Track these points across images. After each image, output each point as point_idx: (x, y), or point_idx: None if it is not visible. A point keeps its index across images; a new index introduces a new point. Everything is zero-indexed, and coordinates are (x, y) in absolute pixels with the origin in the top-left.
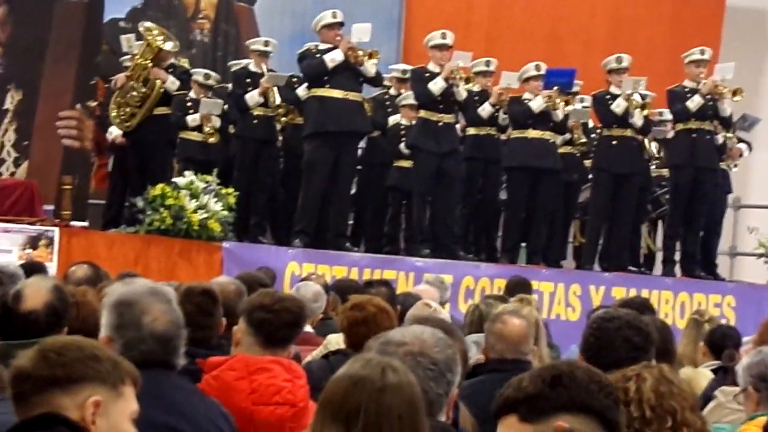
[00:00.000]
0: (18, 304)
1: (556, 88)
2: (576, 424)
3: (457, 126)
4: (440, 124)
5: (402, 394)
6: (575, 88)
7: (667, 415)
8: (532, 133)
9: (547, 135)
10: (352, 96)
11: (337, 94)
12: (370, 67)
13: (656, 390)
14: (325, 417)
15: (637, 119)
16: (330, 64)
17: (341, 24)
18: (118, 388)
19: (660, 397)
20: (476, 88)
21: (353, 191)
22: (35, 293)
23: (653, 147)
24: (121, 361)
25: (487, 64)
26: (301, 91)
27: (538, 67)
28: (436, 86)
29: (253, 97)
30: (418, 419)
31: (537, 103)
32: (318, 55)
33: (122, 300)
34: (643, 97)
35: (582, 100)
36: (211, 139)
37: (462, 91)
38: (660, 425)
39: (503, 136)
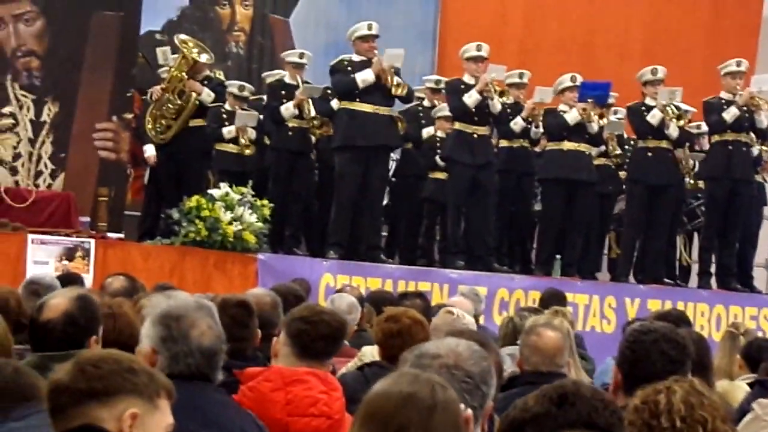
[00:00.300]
0: (39, 314)
1: (590, 100)
2: None
3: (492, 139)
4: (475, 136)
5: (450, 412)
6: (610, 101)
7: (697, 425)
8: (567, 145)
9: (582, 147)
10: (383, 111)
11: (367, 108)
12: (399, 91)
13: (686, 401)
14: None
15: (673, 130)
16: (361, 85)
17: (376, 36)
18: (154, 400)
19: (690, 407)
20: (509, 100)
21: (387, 203)
22: (57, 303)
23: (689, 160)
24: (156, 374)
25: (521, 76)
26: (335, 103)
27: (573, 79)
28: (471, 99)
29: (288, 109)
30: None
31: (572, 116)
32: (350, 70)
33: (170, 313)
34: (678, 108)
35: (616, 113)
36: (247, 151)
37: (497, 104)
38: None
39: (536, 149)
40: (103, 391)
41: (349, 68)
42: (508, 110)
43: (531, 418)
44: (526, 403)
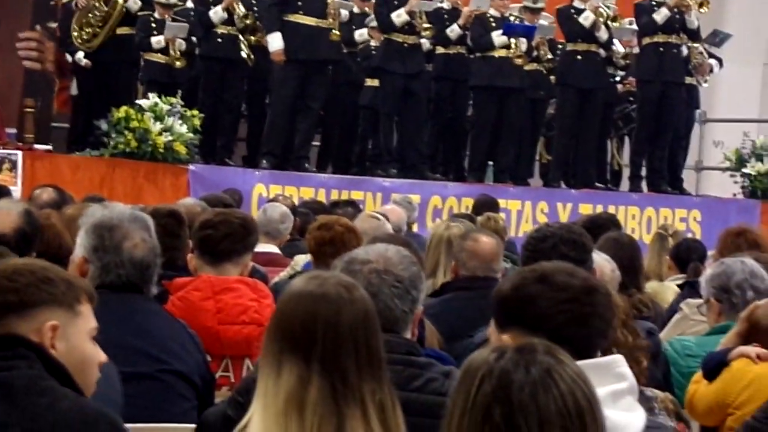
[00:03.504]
0: None
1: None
2: None
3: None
4: (405, 45)
5: (357, 309)
6: (540, 5)
7: None
8: (498, 53)
9: (512, 54)
10: (324, 24)
11: (309, 21)
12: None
13: None
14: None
15: (603, 33)
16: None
17: None
18: (75, 307)
19: None
20: (446, 5)
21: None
22: (5, 218)
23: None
24: (74, 279)
25: None
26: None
27: None
28: (399, 19)
29: (217, 12)
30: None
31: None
32: None
33: (104, 223)
34: (611, 11)
35: (542, 17)
36: (178, 63)
37: (423, 32)
38: None
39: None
40: (20, 303)
41: None
42: (445, 16)
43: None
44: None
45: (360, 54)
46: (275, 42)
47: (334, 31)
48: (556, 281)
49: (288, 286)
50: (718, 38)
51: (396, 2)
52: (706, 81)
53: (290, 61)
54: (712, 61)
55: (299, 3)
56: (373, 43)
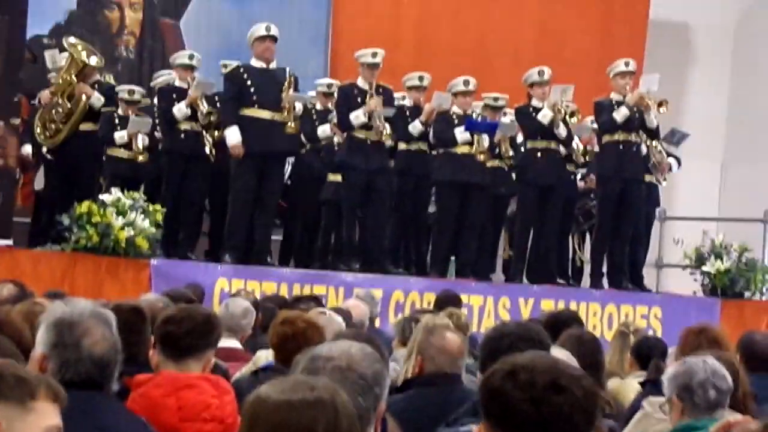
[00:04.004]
0: None
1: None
2: None
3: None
4: (368, 141)
5: (349, 414)
6: (501, 103)
7: None
8: (461, 149)
9: (475, 151)
10: (278, 117)
11: (265, 114)
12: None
13: None
14: None
15: (562, 130)
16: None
17: (274, 37)
18: (26, 403)
19: None
20: (408, 102)
21: (284, 206)
22: None
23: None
24: (28, 375)
25: (421, 79)
26: None
27: (466, 83)
28: (357, 120)
29: (180, 109)
30: None
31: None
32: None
33: (64, 320)
34: (568, 106)
35: (505, 114)
36: (140, 158)
37: (381, 129)
38: None
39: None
40: None
41: (245, 75)
42: (407, 113)
43: None
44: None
45: (322, 149)
46: (233, 136)
47: (289, 124)
48: (520, 378)
49: (258, 393)
50: (676, 137)
51: (359, 99)
52: (665, 179)
53: (246, 155)
54: (671, 160)
55: (254, 97)
56: (335, 138)
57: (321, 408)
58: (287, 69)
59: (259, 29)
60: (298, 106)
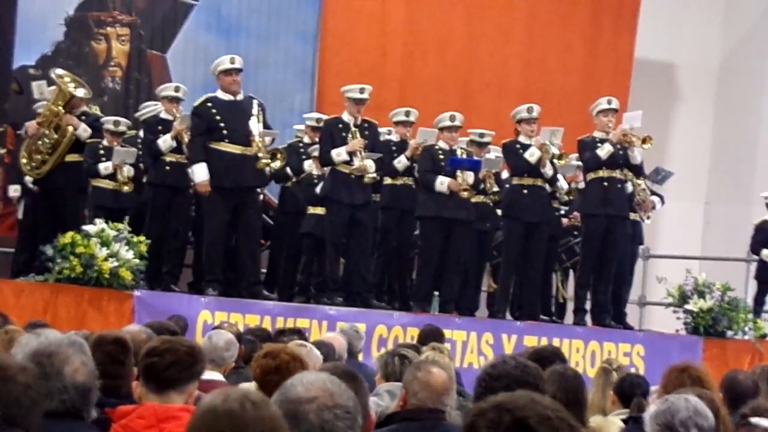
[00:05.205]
0: None
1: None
2: None
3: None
4: (352, 176)
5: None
6: (486, 139)
7: None
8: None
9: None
10: (249, 151)
11: (234, 149)
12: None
13: None
14: None
15: (548, 169)
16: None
17: (239, 70)
18: None
19: None
20: (395, 137)
21: (267, 240)
22: None
23: (563, 186)
24: None
25: (407, 114)
26: None
27: (452, 118)
28: (339, 158)
29: (165, 141)
30: None
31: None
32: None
33: (42, 351)
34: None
35: (489, 151)
36: (125, 188)
37: (363, 168)
38: None
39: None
40: None
41: (214, 110)
42: (393, 148)
43: None
44: None
45: (303, 182)
46: (201, 173)
47: (262, 159)
48: (487, 417)
49: (200, 403)
50: (660, 176)
51: (343, 134)
52: (648, 218)
53: (216, 188)
54: (655, 198)
55: (224, 132)
56: (315, 171)
57: (227, 418)
58: (254, 99)
59: (224, 62)
60: (267, 140)
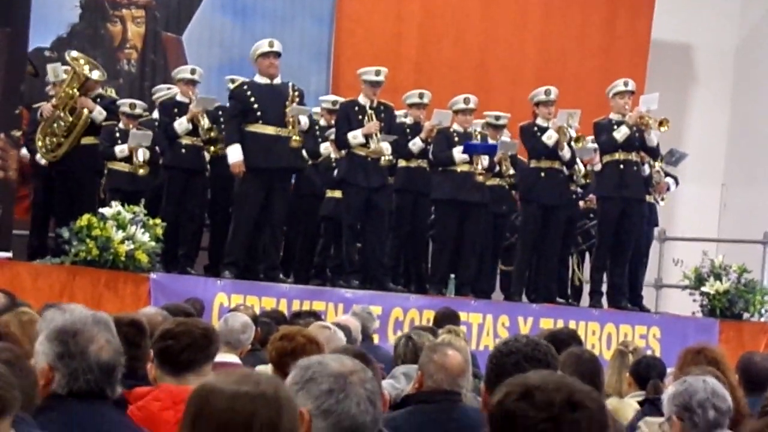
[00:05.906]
0: None
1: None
2: None
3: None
4: (369, 159)
5: (293, 409)
6: (502, 121)
7: None
8: (460, 168)
9: (474, 170)
10: (284, 132)
11: (269, 130)
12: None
13: None
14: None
15: (566, 152)
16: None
17: (278, 53)
18: None
19: None
20: (409, 120)
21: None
22: None
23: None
24: None
25: (421, 96)
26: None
27: (467, 101)
28: (355, 140)
29: (181, 124)
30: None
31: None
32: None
33: (66, 329)
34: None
35: (504, 134)
36: (141, 171)
37: (379, 151)
38: None
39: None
40: None
41: (249, 93)
42: (408, 130)
43: None
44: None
45: (320, 165)
46: (234, 154)
47: (294, 137)
48: (536, 399)
49: (206, 383)
50: (674, 157)
51: (359, 117)
52: (663, 199)
53: (251, 170)
54: (669, 180)
55: (258, 113)
56: (333, 155)
57: (263, 401)
58: (291, 84)
59: (263, 45)
60: (303, 120)
